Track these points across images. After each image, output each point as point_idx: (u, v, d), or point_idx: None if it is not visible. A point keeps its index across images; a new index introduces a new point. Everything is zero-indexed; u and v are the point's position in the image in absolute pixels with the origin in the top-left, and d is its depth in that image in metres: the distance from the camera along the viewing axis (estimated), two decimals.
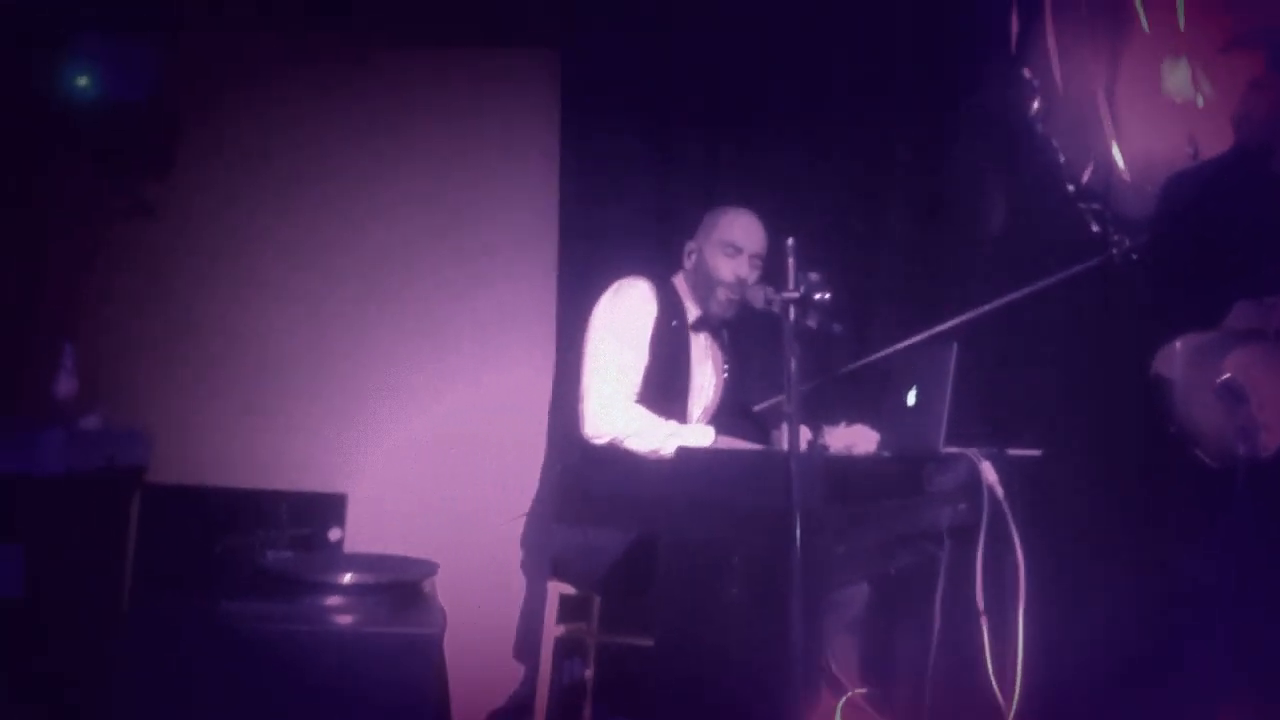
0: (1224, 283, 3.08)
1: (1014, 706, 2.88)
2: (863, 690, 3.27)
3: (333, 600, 3.05)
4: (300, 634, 2.88)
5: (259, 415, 4.06)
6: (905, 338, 3.54)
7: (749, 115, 4.04)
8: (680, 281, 3.33)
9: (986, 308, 3.50)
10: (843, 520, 2.51)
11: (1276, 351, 2.97)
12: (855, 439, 3.05)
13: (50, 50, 3.62)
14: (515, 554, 3.50)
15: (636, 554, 2.86)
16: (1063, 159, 3.79)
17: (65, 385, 3.46)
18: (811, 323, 2.45)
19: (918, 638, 3.06)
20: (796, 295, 2.41)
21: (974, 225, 3.88)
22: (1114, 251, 3.37)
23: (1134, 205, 3.63)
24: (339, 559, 3.61)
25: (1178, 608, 3.23)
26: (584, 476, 3.06)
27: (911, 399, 3.01)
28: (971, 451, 2.96)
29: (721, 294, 3.22)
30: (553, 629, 3.17)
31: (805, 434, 2.72)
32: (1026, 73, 3.84)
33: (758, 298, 2.83)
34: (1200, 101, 3.61)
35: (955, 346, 2.91)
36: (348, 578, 3.11)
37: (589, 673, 3.46)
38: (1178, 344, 3.13)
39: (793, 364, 2.39)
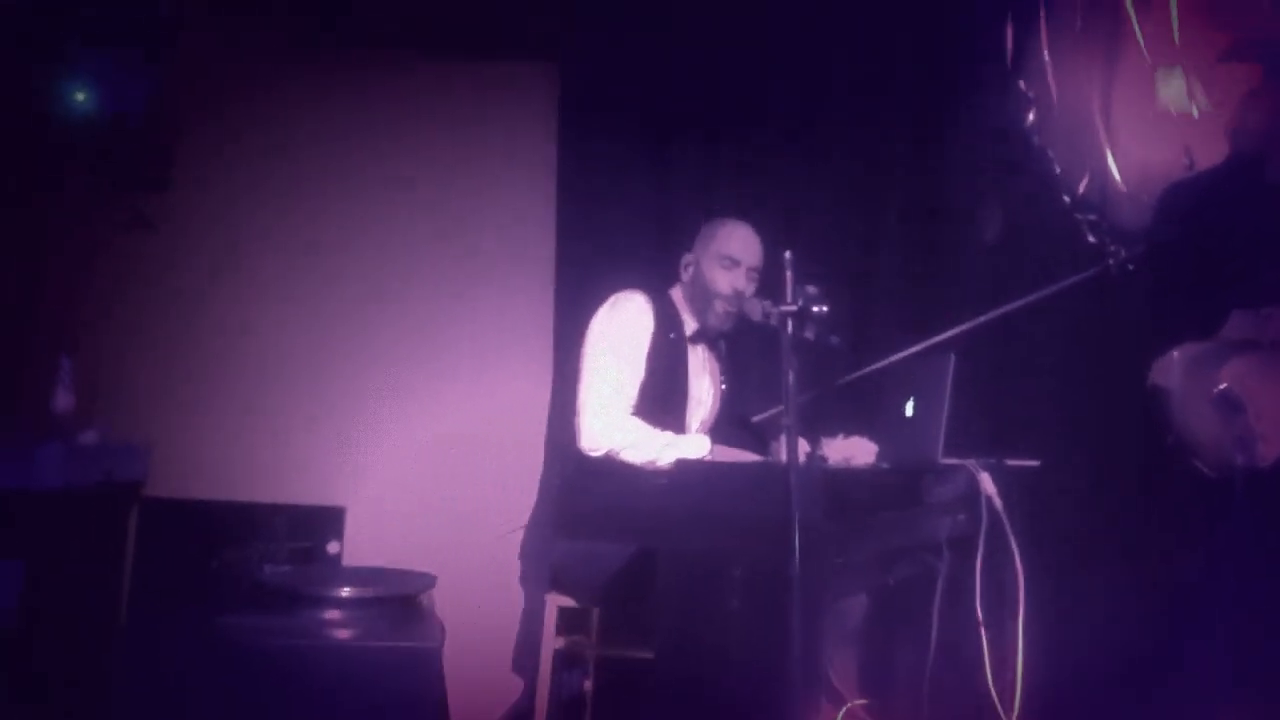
0: (1221, 293, 3.09)
1: (1014, 717, 2.88)
2: (862, 701, 3.26)
3: (331, 614, 3.05)
4: (299, 648, 2.87)
5: (257, 429, 4.05)
6: (903, 349, 3.55)
7: (747, 126, 4.05)
8: (677, 294, 3.34)
9: (984, 318, 3.50)
10: (842, 532, 2.52)
11: (1273, 361, 2.98)
12: (853, 451, 3.05)
13: (48, 63, 3.62)
14: (514, 566, 3.49)
15: (636, 566, 2.86)
16: (1059, 170, 3.80)
17: (63, 400, 3.45)
18: (809, 335, 2.46)
19: (917, 649, 3.05)
20: (794, 308, 2.42)
21: (971, 237, 3.90)
22: (1110, 262, 3.38)
23: (1130, 216, 3.65)
24: (337, 572, 3.61)
25: (1176, 617, 3.23)
26: (582, 489, 3.06)
27: (909, 410, 3.01)
28: (970, 462, 2.96)
29: (719, 306, 3.23)
30: (552, 641, 3.17)
31: (804, 446, 2.72)
32: (1022, 85, 3.86)
33: (755, 310, 2.84)
34: (1195, 112, 3.62)
35: (953, 357, 2.91)
36: (346, 591, 3.11)
37: (588, 685, 3.45)
38: (1175, 354, 3.13)
39: (790, 376, 2.40)
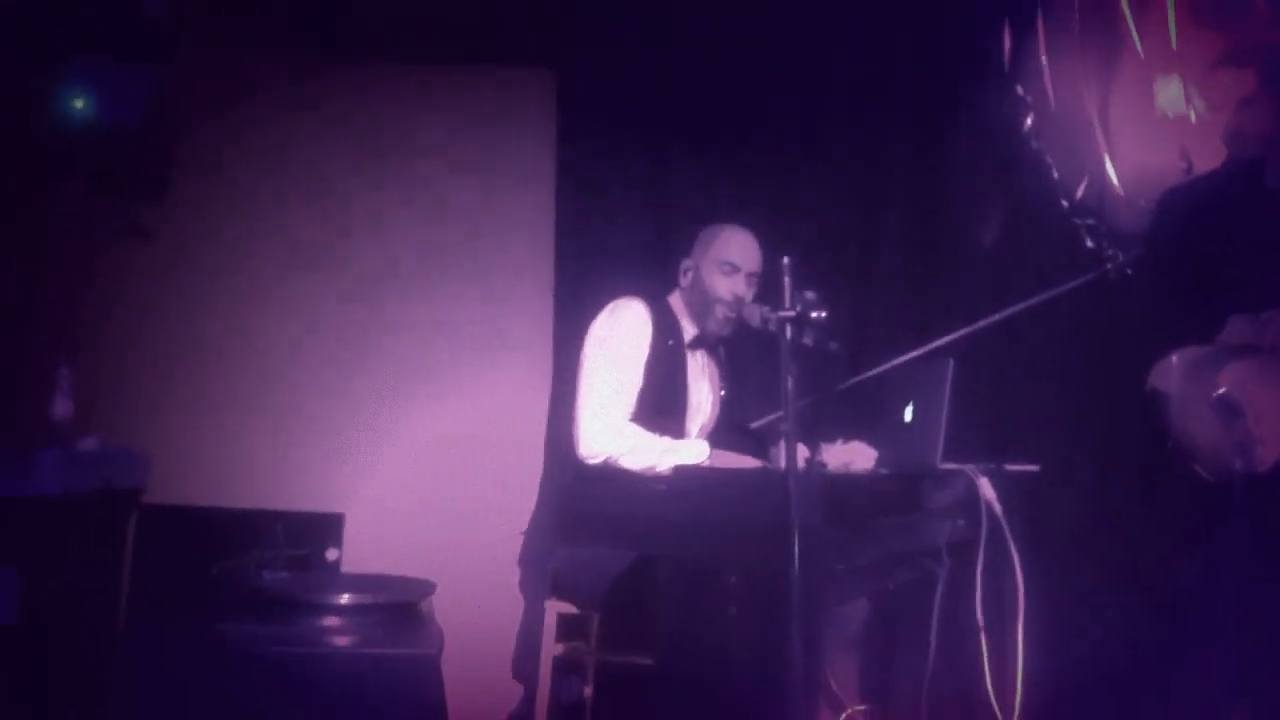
0: (1219, 297, 3.09)
1: None
2: (862, 707, 3.27)
3: (330, 621, 3.05)
4: (297, 655, 2.87)
5: (256, 435, 4.05)
6: (902, 354, 3.55)
7: (745, 131, 4.06)
8: (676, 300, 3.34)
9: (982, 323, 3.51)
10: (841, 538, 2.52)
11: (1272, 366, 2.98)
12: (853, 456, 3.05)
13: (46, 71, 3.62)
14: (513, 573, 3.49)
15: (636, 572, 2.86)
16: (1056, 175, 3.81)
17: (61, 407, 3.45)
18: (808, 340, 2.46)
19: (917, 654, 3.06)
20: (793, 314, 2.42)
21: (969, 242, 3.90)
22: (1109, 266, 3.38)
23: (1128, 220, 3.65)
24: (336, 579, 3.61)
25: (1176, 622, 3.23)
26: (582, 497, 3.06)
27: (909, 415, 3.01)
28: (969, 467, 2.96)
29: (719, 312, 3.23)
30: (551, 648, 3.17)
31: (803, 451, 2.72)
32: (1020, 90, 3.86)
33: (754, 316, 2.84)
34: (1193, 117, 3.63)
35: (952, 362, 2.91)
36: (345, 598, 3.11)
37: (588, 691, 3.45)
38: (1174, 358, 3.13)
39: (789, 382, 2.40)
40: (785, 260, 2.45)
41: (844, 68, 4.05)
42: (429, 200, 4.21)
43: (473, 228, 4.21)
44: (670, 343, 3.22)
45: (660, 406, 3.16)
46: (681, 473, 2.75)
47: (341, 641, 2.97)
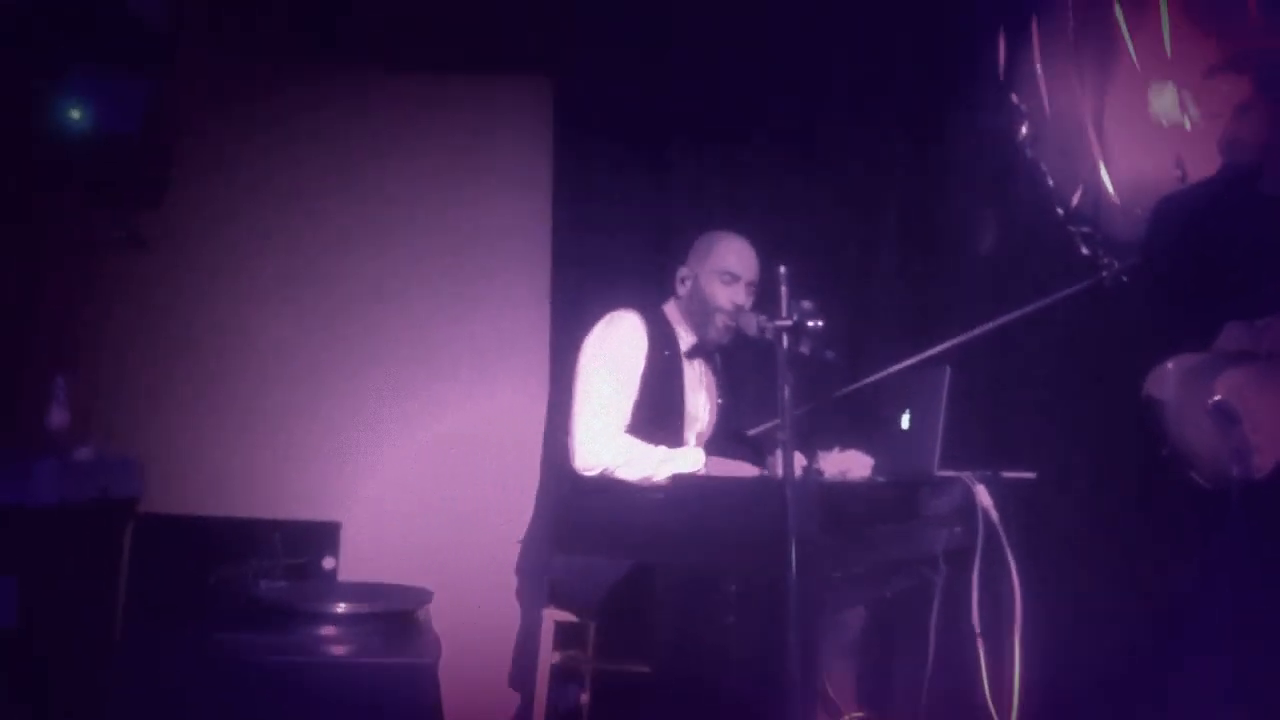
0: (1215, 304, 3.09)
1: None
2: (859, 714, 3.27)
3: (327, 630, 3.05)
4: (294, 664, 2.87)
5: (252, 444, 4.05)
6: (898, 361, 3.55)
7: (742, 139, 4.06)
8: (672, 309, 3.33)
9: (979, 331, 3.51)
10: (838, 546, 2.52)
11: (1268, 373, 2.99)
12: (849, 464, 3.05)
13: (43, 81, 3.63)
14: (510, 581, 3.48)
15: (633, 580, 2.86)
16: (1052, 182, 3.82)
17: (58, 416, 3.45)
18: (804, 349, 2.46)
19: (914, 661, 3.05)
20: (790, 323, 2.42)
21: (966, 249, 3.90)
22: (1104, 274, 3.38)
23: (1123, 228, 3.66)
24: (333, 588, 3.60)
25: (1173, 628, 3.23)
26: (578, 506, 3.06)
27: (905, 423, 3.01)
28: (966, 475, 2.96)
29: (719, 321, 3.22)
30: (549, 656, 3.16)
31: (800, 460, 2.72)
32: (1015, 98, 3.87)
33: (750, 325, 2.84)
34: (1188, 124, 3.64)
35: (948, 370, 2.92)
36: (342, 607, 3.11)
37: (585, 699, 3.44)
38: (1170, 365, 3.14)
39: (786, 391, 2.40)
40: (782, 269, 2.45)
41: (840, 76, 4.06)
42: (426, 207, 4.22)
43: (470, 233, 4.21)
44: (666, 353, 3.21)
45: (657, 417, 3.16)
46: (679, 482, 2.75)
47: (338, 651, 2.97)
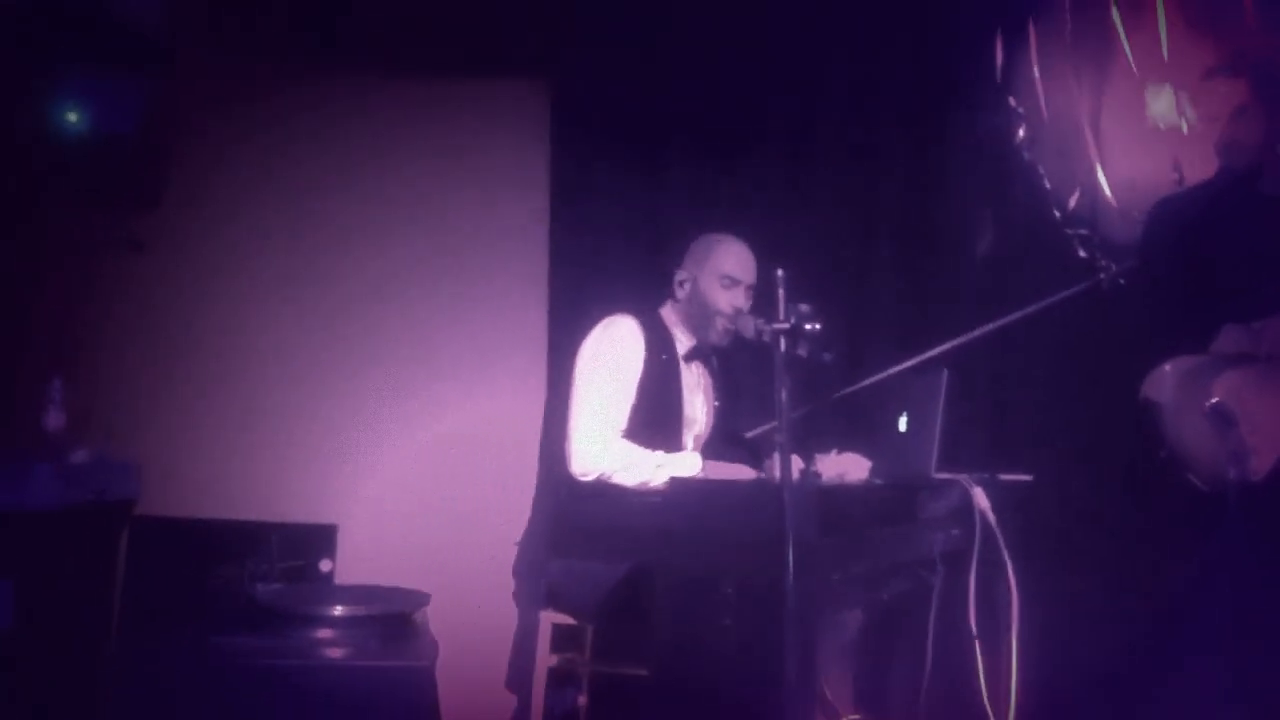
0: (1212, 307, 3.10)
1: None
2: (857, 717, 3.27)
3: (324, 633, 3.04)
4: (291, 667, 2.87)
5: (249, 447, 4.04)
6: (896, 363, 3.55)
7: (740, 141, 4.06)
8: (669, 312, 3.33)
9: (976, 333, 3.51)
10: (836, 549, 2.52)
11: (1266, 375, 2.99)
12: (847, 467, 3.05)
13: (39, 84, 3.62)
14: (507, 584, 3.48)
15: (631, 583, 2.86)
16: (1049, 185, 3.82)
17: (54, 419, 3.44)
18: (802, 352, 2.46)
19: (911, 663, 3.06)
20: (787, 326, 2.42)
21: (963, 251, 3.91)
22: (1101, 277, 3.39)
23: (1121, 231, 3.67)
24: (330, 591, 3.59)
25: (1171, 630, 3.23)
26: (576, 510, 3.06)
27: (903, 425, 3.02)
28: (963, 477, 2.97)
29: (720, 324, 3.22)
30: (545, 659, 3.16)
31: (797, 462, 2.72)
32: (1012, 100, 3.88)
33: (748, 328, 2.85)
34: (1185, 127, 3.64)
35: (946, 372, 2.92)
36: (339, 610, 3.10)
37: (582, 701, 3.44)
38: (1167, 368, 3.14)
39: (784, 394, 2.40)
40: (780, 273, 2.46)
41: (838, 78, 4.06)
42: (426, 208, 4.21)
43: (468, 235, 4.21)
44: (664, 357, 3.21)
45: (655, 420, 3.16)
46: (676, 485, 2.75)
47: (335, 653, 2.96)
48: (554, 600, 3.15)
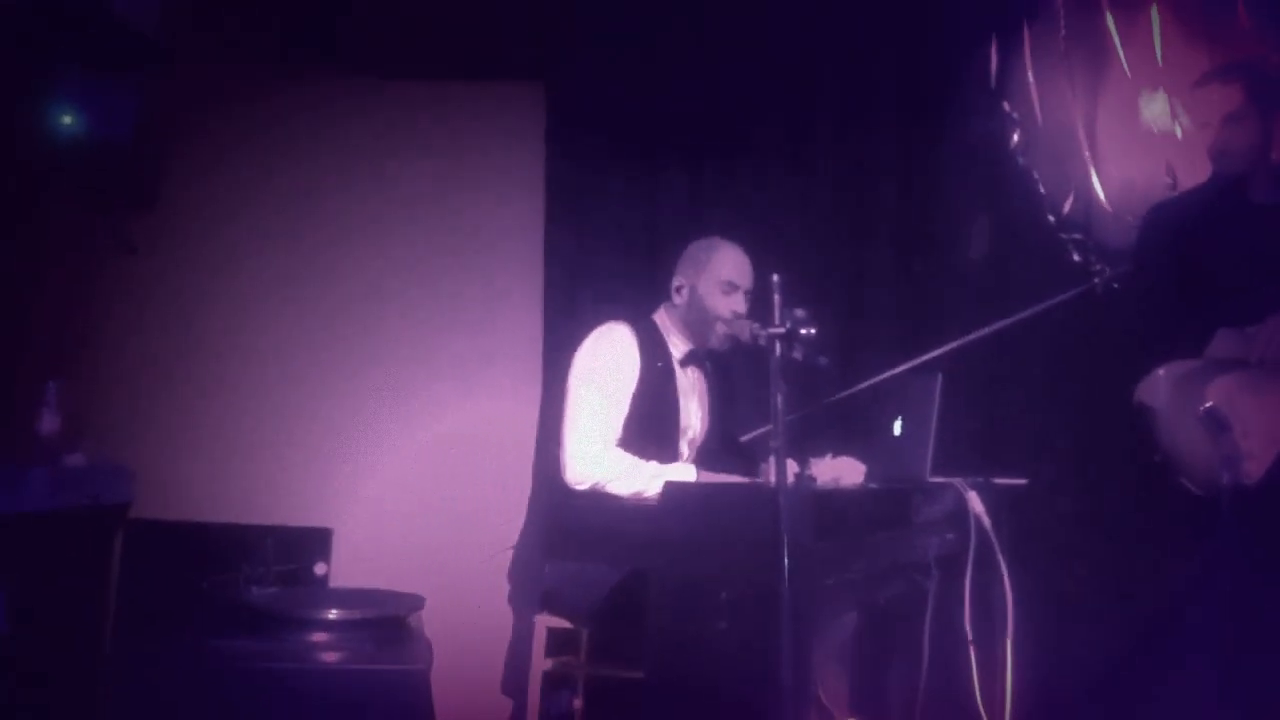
0: (1206, 311, 3.10)
1: None
2: None
3: (318, 636, 3.04)
4: (286, 671, 2.87)
5: (244, 451, 4.04)
6: (890, 368, 3.56)
7: (735, 148, 4.06)
8: (664, 317, 3.33)
9: (971, 337, 3.52)
10: (831, 553, 2.52)
11: (1259, 380, 2.99)
12: (842, 470, 3.06)
13: (34, 86, 3.62)
14: (503, 587, 3.49)
15: (626, 587, 2.86)
16: (1043, 190, 3.83)
17: (49, 423, 3.43)
18: (797, 356, 2.46)
19: (907, 667, 3.06)
20: (783, 331, 2.43)
21: (957, 256, 3.91)
22: (1096, 281, 3.40)
23: (1115, 235, 3.67)
24: (325, 594, 3.60)
25: (1164, 633, 3.23)
26: (570, 514, 3.06)
27: (897, 429, 3.02)
28: (958, 481, 2.97)
29: (720, 329, 3.22)
30: (541, 662, 3.16)
31: (792, 466, 2.73)
32: (1007, 106, 3.89)
33: (744, 332, 2.84)
34: (1178, 132, 3.65)
35: (940, 376, 2.92)
36: (333, 613, 3.10)
37: (578, 704, 3.44)
38: (1161, 372, 3.14)
39: (779, 399, 2.40)
40: (775, 278, 2.46)
41: (833, 83, 4.06)
42: (422, 210, 4.22)
43: (466, 236, 4.21)
44: (659, 364, 3.21)
45: (651, 427, 3.16)
46: (671, 488, 2.75)
47: (330, 657, 2.96)
48: (549, 604, 3.15)
